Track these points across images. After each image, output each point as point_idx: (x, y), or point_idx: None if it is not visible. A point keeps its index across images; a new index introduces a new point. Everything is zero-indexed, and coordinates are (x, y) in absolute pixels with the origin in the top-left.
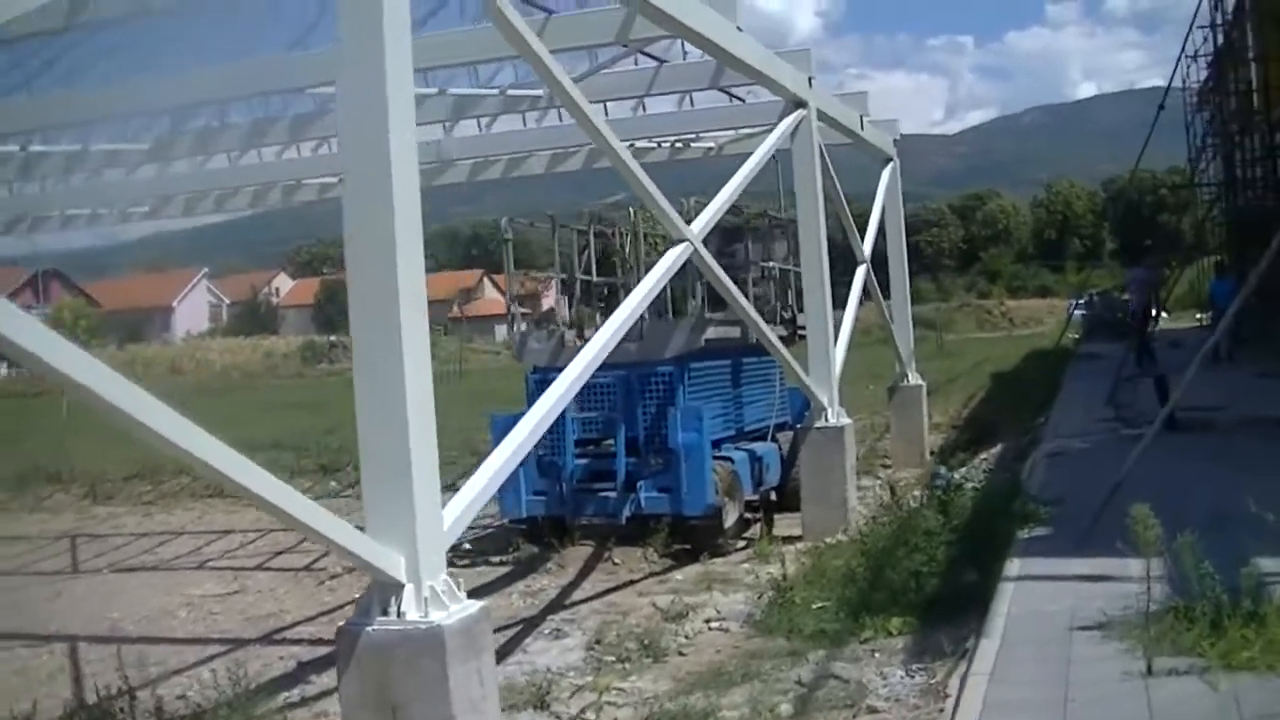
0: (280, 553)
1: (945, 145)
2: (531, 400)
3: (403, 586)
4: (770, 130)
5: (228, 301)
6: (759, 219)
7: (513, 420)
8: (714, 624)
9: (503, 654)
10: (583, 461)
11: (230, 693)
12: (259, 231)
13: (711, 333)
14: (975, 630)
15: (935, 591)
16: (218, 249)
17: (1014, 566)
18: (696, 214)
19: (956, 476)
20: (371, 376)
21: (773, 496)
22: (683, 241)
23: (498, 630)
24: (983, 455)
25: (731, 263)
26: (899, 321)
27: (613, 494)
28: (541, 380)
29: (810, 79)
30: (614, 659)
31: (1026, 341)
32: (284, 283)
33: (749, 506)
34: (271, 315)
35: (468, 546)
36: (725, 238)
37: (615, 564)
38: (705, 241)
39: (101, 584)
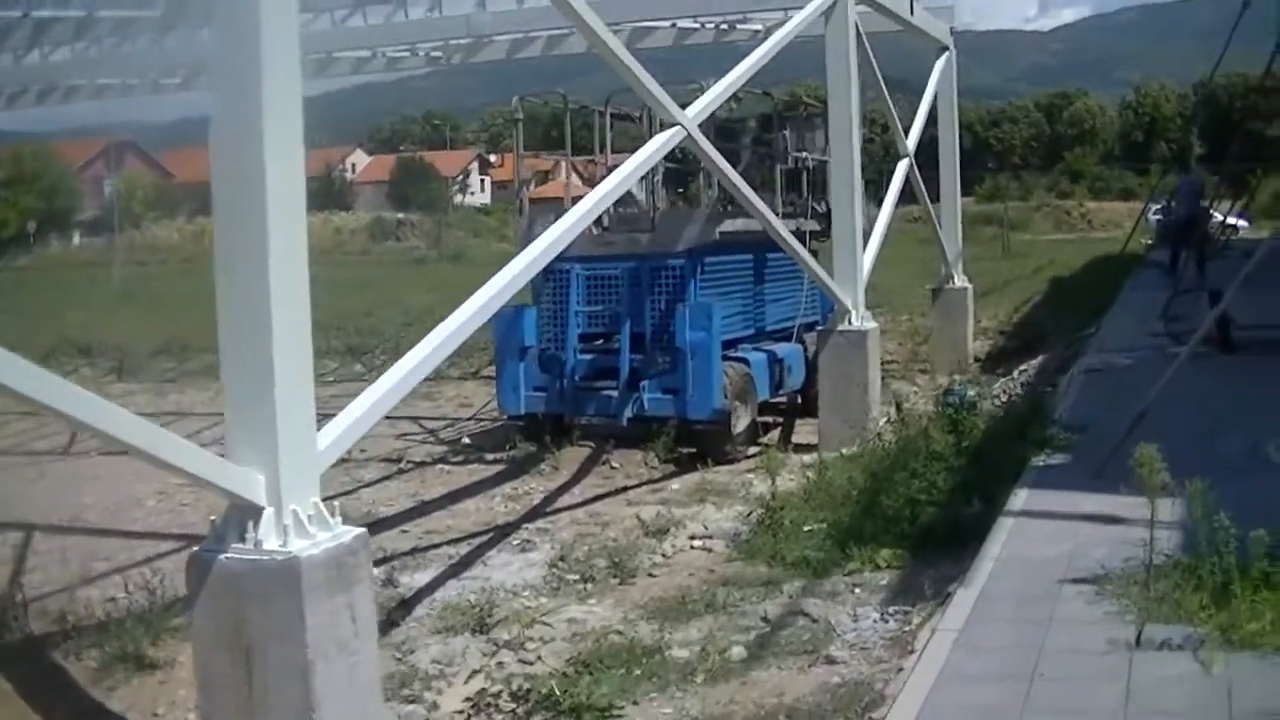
0: None
1: (1038, 42)
2: (537, 294)
3: (261, 510)
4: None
5: None
6: (796, 107)
7: (516, 314)
8: (698, 542)
9: (463, 566)
10: (586, 357)
11: (146, 603)
12: (343, 107)
13: (730, 225)
14: (964, 571)
15: (932, 522)
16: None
17: (1019, 499)
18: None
19: (971, 394)
20: (231, 268)
21: (799, 401)
22: (674, 125)
23: (466, 538)
24: (1022, 367)
25: (768, 152)
26: (947, 221)
27: (615, 393)
28: (548, 270)
29: None
30: (577, 578)
31: (1101, 245)
32: (360, 159)
33: (773, 410)
34: (345, 191)
35: (467, 441)
36: (762, 125)
37: (613, 468)
38: (734, 130)
39: (86, 467)
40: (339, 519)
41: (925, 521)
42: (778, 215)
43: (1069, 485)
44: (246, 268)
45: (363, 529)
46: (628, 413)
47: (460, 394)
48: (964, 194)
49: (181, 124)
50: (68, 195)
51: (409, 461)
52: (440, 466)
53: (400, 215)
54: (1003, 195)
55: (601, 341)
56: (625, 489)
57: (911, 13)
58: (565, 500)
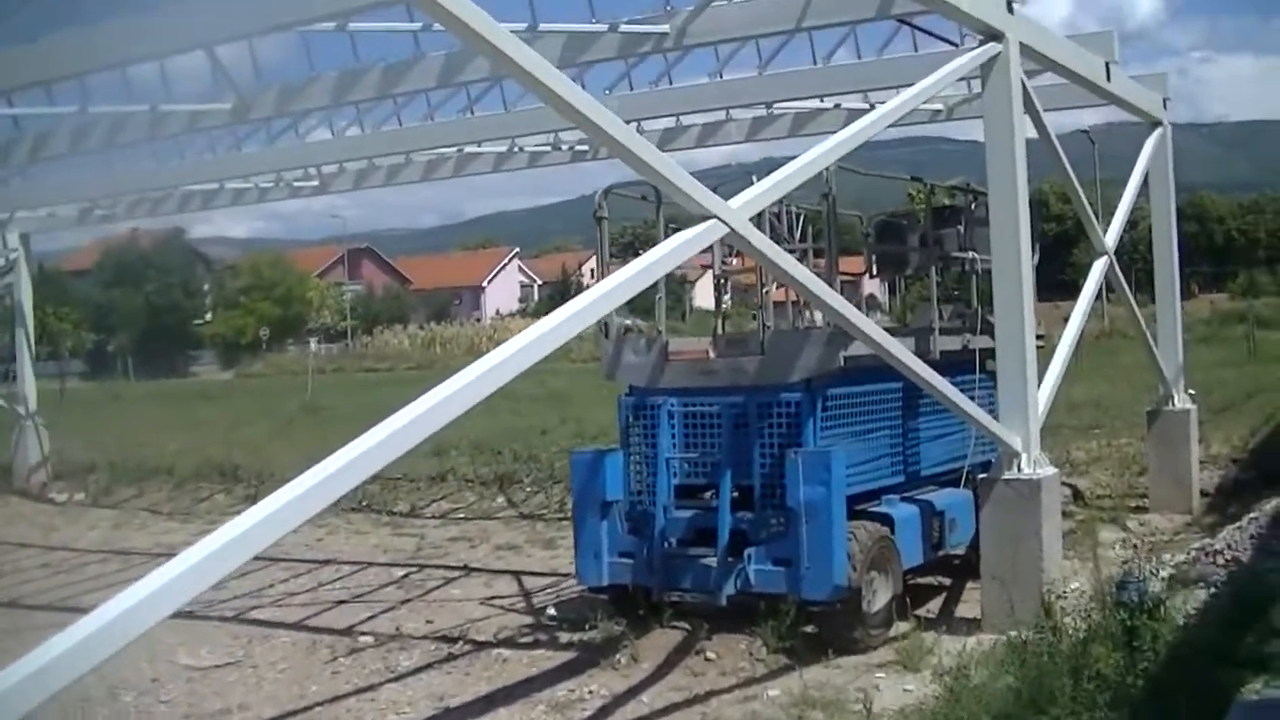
0: (345, 601)
1: None
2: (625, 433)
3: None
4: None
5: (539, 282)
6: (958, 194)
7: (597, 460)
8: None
9: None
10: (681, 515)
11: None
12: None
13: (863, 348)
14: None
15: None
16: (555, 230)
17: None
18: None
19: (1156, 586)
20: None
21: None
22: (709, 219)
23: None
24: (1253, 514)
25: (938, 253)
26: (1164, 329)
27: (712, 563)
28: (638, 405)
29: (1010, 3)
30: None
31: None
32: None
33: (947, 565)
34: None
35: (552, 613)
36: (939, 221)
37: (709, 659)
38: (902, 228)
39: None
40: None
41: None
42: (934, 329)
43: None
44: None
45: None
46: (728, 589)
47: None
48: (1218, 290)
49: (432, 232)
50: (302, 302)
51: (467, 642)
52: (498, 652)
53: (627, 321)
54: (1259, 291)
55: (710, 495)
56: (711, 694)
57: (1108, 79)
58: (625, 712)
